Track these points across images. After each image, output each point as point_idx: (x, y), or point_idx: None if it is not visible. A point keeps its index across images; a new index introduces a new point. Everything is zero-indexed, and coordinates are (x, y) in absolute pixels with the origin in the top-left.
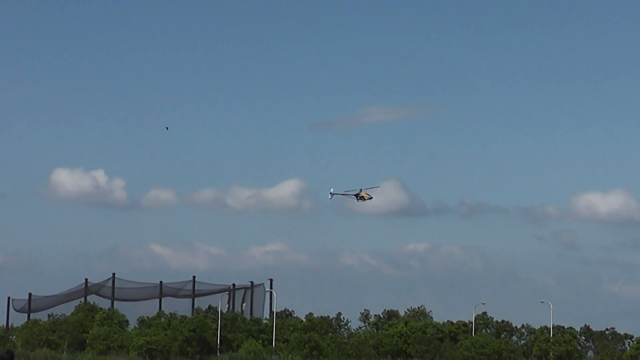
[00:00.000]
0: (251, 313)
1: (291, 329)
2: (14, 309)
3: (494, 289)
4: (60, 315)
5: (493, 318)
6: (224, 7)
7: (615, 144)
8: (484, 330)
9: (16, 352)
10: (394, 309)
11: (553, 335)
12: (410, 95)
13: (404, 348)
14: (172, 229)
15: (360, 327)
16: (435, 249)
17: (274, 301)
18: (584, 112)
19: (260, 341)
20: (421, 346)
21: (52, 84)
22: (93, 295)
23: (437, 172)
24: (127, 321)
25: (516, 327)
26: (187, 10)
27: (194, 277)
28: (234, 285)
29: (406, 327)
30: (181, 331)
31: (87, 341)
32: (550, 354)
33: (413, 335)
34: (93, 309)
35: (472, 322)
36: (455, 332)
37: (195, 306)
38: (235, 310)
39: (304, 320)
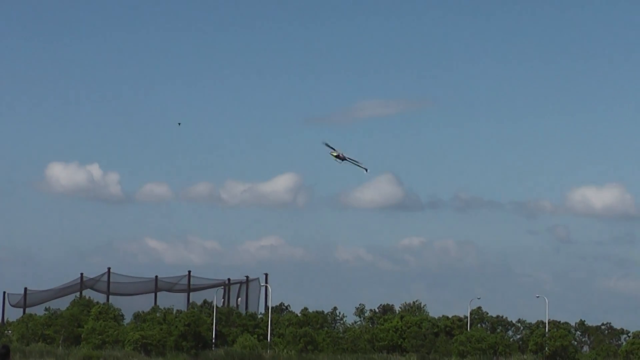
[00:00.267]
0: (246, 307)
1: (286, 323)
2: (9, 304)
3: (489, 283)
4: (56, 310)
5: (488, 313)
6: (219, 2)
7: (610, 138)
8: (479, 325)
9: (12, 347)
10: (389, 303)
11: (549, 330)
12: (405, 89)
13: (399, 343)
14: (167, 223)
15: (355, 322)
16: (430, 244)
17: (269, 296)
18: (579, 106)
19: (256, 336)
20: (416, 341)
21: (47, 77)
22: (88, 289)
23: (432, 167)
24: (122, 315)
25: (511, 321)
26: (181, 6)
27: (189, 271)
28: (229, 279)
29: (401, 321)
30: (176, 326)
31: (82, 336)
32: (546, 349)
33: (408, 330)
34: (88, 303)
35: (467, 317)
36: (450, 327)
37: (191, 301)
38: (231, 304)
39: (299, 314)
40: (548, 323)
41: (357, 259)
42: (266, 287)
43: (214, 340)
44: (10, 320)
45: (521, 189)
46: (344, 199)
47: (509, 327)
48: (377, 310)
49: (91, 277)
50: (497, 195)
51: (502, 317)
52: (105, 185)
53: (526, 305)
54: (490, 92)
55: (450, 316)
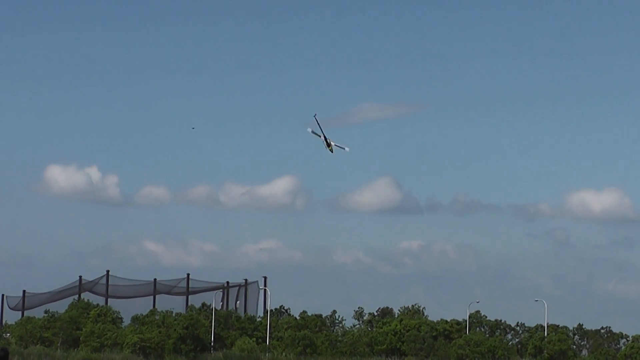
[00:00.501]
0: (245, 310)
1: (285, 326)
2: (8, 306)
3: (487, 287)
4: (54, 313)
5: (487, 316)
6: (218, 4)
7: (609, 142)
8: (478, 328)
9: (10, 349)
10: (388, 306)
11: (547, 333)
12: (404, 93)
13: (398, 346)
14: (166, 226)
15: (354, 325)
16: (428, 247)
17: (268, 299)
18: (578, 110)
19: (254, 339)
20: (415, 344)
21: (45, 80)
22: (87, 292)
23: (431, 170)
24: (121, 318)
25: (510, 325)
26: (180, 7)
27: (188, 274)
28: (228, 282)
29: (400, 325)
30: (175, 329)
31: (81, 338)
32: (545, 353)
33: (407, 334)
34: (87, 306)
35: (466, 320)
36: (449, 331)
37: (189, 304)
38: (229, 307)
39: (298, 318)
40: (547, 327)
41: (356, 262)
42: (265, 290)
43: (212, 343)
44: (9, 322)
45: (520, 192)
46: (342, 202)
47: (508, 330)
48: (376, 313)
49: (90, 279)
50: (496, 199)
51: (501, 320)
52: (104, 188)
53: (525, 308)
54: (489, 95)
55: (449, 319)
